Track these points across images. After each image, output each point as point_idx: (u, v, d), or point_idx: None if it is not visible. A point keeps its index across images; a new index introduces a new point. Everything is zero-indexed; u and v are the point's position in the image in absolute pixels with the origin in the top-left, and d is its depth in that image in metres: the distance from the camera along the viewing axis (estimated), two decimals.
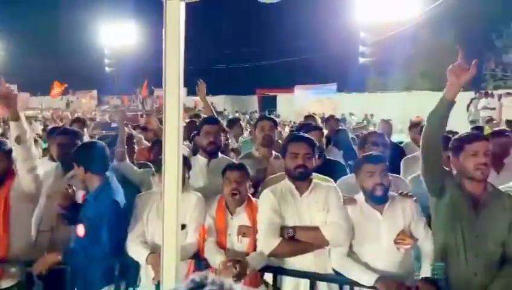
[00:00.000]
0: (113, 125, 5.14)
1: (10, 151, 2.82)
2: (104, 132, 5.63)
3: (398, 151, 4.39)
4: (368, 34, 26.36)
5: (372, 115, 22.05)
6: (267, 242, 2.56)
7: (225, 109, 25.73)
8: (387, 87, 29.50)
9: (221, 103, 28.07)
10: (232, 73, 33.48)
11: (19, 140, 2.65)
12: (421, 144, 2.50)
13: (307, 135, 2.83)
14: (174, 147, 1.71)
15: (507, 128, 4.73)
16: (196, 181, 3.13)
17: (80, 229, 2.75)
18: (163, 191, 1.71)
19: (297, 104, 25.55)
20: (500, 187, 2.59)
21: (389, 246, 2.56)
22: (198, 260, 2.74)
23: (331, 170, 3.20)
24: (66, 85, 26.26)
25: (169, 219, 1.73)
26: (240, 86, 30.34)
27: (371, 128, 13.73)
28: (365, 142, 3.28)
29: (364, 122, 20.67)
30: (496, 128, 4.33)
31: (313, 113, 7.34)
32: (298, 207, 2.63)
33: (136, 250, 2.73)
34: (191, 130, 4.40)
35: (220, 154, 3.36)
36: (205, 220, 2.78)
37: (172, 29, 1.68)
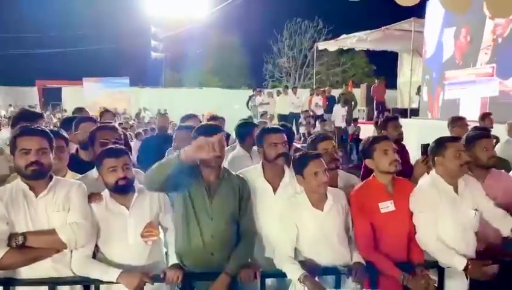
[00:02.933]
0: None
1: None
2: None
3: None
4: (159, 29, 26.52)
5: (165, 110, 22.33)
6: None
7: None
8: (181, 83, 30.36)
9: None
10: (5, 61, 28.80)
11: None
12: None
13: (41, 128, 2.50)
14: None
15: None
16: None
17: None
18: None
19: (87, 97, 23.75)
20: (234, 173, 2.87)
21: (136, 241, 2.56)
22: None
23: None
24: None
25: None
26: (16, 75, 26.29)
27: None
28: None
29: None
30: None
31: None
32: (33, 210, 2.36)
33: None
34: None
35: None
36: None
37: None
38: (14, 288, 2.38)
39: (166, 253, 2.79)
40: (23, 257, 2.31)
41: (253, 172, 2.94)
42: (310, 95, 14.75)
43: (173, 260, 2.66)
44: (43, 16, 29.09)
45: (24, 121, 2.99)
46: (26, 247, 2.30)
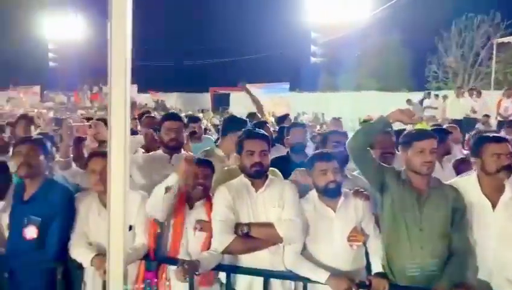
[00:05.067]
0: (70, 121, 4.87)
1: None
2: (56, 127, 5.32)
3: None
4: (319, 34, 26.91)
5: (323, 114, 22.54)
6: (221, 239, 2.52)
7: (180, 110, 25.30)
8: (338, 86, 30.27)
9: (173, 100, 27.52)
10: (186, 70, 33.04)
11: None
12: (348, 152, 2.63)
13: (262, 132, 2.77)
14: (120, 144, 1.61)
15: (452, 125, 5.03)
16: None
17: (28, 232, 2.61)
18: (109, 191, 1.60)
19: (250, 102, 25.54)
20: (445, 182, 2.70)
21: (341, 244, 2.59)
22: (148, 261, 2.65)
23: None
24: None
25: (115, 220, 1.63)
26: (193, 83, 29.97)
27: (318, 127, 14.06)
28: (326, 141, 3.28)
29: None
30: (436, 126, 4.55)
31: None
32: (253, 203, 2.60)
33: (79, 252, 2.60)
34: (148, 125, 4.25)
35: (182, 150, 3.28)
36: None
37: (118, 22, 1.57)
38: (234, 275, 2.65)
39: None
40: (246, 245, 2.55)
41: (467, 183, 2.69)
42: (502, 96, 12.78)
43: (377, 268, 2.62)
44: (215, 30, 32.54)
45: (232, 126, 3.35)
46: (249, 236, 2.54)
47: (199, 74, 31.25)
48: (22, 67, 30.90)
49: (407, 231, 2.51)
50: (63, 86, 30.70)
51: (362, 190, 2.76)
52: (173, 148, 3.18)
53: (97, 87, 28.71)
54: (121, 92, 1.56)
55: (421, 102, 14.91)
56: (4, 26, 32.12)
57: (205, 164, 2.74)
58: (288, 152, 3.73)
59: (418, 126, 2.66)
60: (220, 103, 27.94)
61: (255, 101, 5.12)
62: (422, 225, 2.51)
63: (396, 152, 3.15)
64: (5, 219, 2.74)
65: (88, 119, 4.65)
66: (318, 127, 15.31)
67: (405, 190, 2.56)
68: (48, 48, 33.27)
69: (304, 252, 2.63)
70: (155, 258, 2.62)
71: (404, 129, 3.22)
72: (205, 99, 30.96)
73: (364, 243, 2.66)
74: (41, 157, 2.73)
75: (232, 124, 3.48)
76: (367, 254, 2.70)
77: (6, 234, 2.72)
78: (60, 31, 31.30)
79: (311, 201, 2.69)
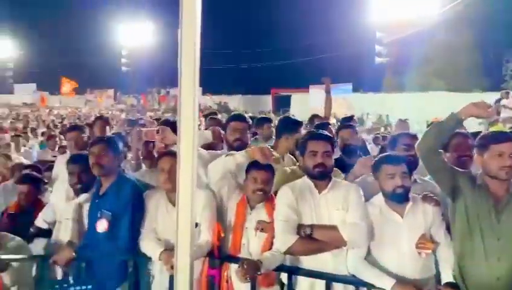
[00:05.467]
0: (141, 122, 5.15)
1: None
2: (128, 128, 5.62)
3: None
4: (384, 34, 26.08)
5: (387, 116, 21.79)
6: (284, 239, 2.51)
7: (245, 111, 25.80)
8: (403, 87, 29.13)
9: (236, 102, 28.07)
10: (248, 73, 33.53)
11: None
12: (418, 154, 2.51)
13: (326, 133, 2.75)
14: (189, 145, 1.67)
15: None
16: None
17: (100, 225, 2.79)
18: (177, 190, 1.67)
19: (311, 103, 25.33)
20: None
21: (409, 251, 2.49)
22: (212, 258, 2.72)
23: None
24: (75, 82, 26.68)
25: (183, 217, 1.69)
26: (255, 85, 30.34)
27: (382, 129, 13.58)
28: (396, 144, 3.12)
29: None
30: None
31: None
32: (316, 205, 2.57)
33: (149, 246, 2.73)
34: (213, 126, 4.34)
35: None
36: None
37: (188, 27, 1.64)
38: (295, 276, 2.63)
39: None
40: (309, 247, 2.53)
41: None
42: None
43: (448, 277, 2.48)
44: (276, 32, 32.67)
45: (286, 127, 3.34)
46: (311, 238, 2.51)
47: (261, 76, 31.58)
48: (99, 72, 33.27)
49: (483, 241, 2.35)
50: (134, 89, 32.57)
51: (432, 195, 2.63)
52: (238, 148, 3.22)
53: (164, 90, 30.06)
54: (190, 95, 1.63)
55: (498, 101, 13.88)
56: (83, 36, 34.77)
57: (266, 168, 2.71)
58: (340, 154, 3.62)
59: (495, 128, 2.48)
60: (281, 104, 28.04)
61: (329, 102, 5.06)
62: (499, 234, 2.34)
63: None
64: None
65: (157, 120, 4.88)
66: (382, 129, 14.82)
67: (481, 195, 2.40)
68: (121, 54, 35.52)
69: (369, 257, 2.55)
70: (219, 256, 2.68)
71: (480, 132, 3.02)
72: (266, 101, 31.23)
73: (434, 251, 2.53)
74: (112, 156, 2.92)
75: (286, 125, 3.45)
76: (437, 262, 2.57)
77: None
78: (132, 38, 33.29)
79: (377, 205, 2.61)
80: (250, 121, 3.59)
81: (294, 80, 28.88)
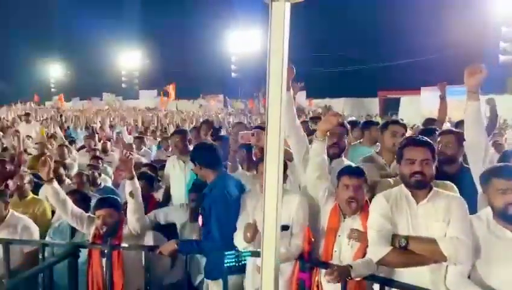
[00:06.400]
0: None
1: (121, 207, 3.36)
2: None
3: None
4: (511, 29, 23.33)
5: (505, 120, 19.41)
6: (376, 249, 2.42)
7: (349, 115, 25.25)
8: None
9: (340, 105, 27.54)
10: (352, 75, 32.65)
11: (132, 195, 3.22)
12: None
13: (425, 139, 2.56)
14: (275, 147, 1.71)
15: None
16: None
17: (200, 220, 3.07)
18: (264, 192, 1.72)
19: (423, 106, 23.67)
20: None
21: None
22: (303, 262, 2.72)
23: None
24: (172, 87, 28.83)
25: (269, 221, 1.74)
26: (360, 88, 29.35)
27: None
28: None
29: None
30: None
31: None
32: (413, 216, 2.42)
33: (241, 242, 2.83)
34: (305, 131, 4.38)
35: (343, 156, 3.31)
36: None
37: (278, 31, 1.68)
38: (389, 289, 2.51)
39: None
40: (404, 259, 2.39)
41: None
42: None
43: None
44: (382, 32, 31.26)
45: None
46: (407, 250, 2.37)
47: (366, 78, 30.42)
48: (211, 78, 35.82)
49: None
50: (242, 94, 34.16)
51: None
52: (333, 153, 3.19)
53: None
54: (276, 99, 1.67)
55: None
56: (198, 46, 37.61)
57: (357, 173, 2.64)
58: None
59: None
60: (389, 107, 26.71)
61: (444, 107, 4.79)
62: None
63: None
64: None
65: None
66: (507, 134, 13.22)
67: None
68: (230, 60, 37.66)
69: (473, 275, 2.33)
70: (309, 260, 2.68)
71: None
72: (372, 103, 29.99)
73: None
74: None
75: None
76: None
77: None
78: (241, 45, 35.18)
79: (484, 219, 2.38)
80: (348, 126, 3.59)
81: (404, 81, 27.25)
